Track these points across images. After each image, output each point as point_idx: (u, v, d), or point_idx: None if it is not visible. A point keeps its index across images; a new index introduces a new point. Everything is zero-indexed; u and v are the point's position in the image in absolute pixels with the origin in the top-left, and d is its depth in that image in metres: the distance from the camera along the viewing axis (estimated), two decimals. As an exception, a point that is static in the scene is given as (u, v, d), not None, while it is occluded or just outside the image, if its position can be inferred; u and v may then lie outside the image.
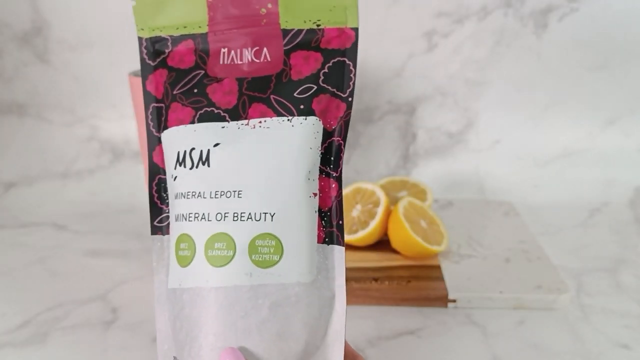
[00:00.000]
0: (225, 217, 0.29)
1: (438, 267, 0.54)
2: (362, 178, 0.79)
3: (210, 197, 0.30)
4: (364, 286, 0.51)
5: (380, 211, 0.56)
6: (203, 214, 0.30)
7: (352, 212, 0.58)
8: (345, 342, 0.32)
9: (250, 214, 0.29)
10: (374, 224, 0.56)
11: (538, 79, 0.75)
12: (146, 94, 0.33)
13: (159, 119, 0.33)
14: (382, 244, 0.58)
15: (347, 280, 0.52)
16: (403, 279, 0.52)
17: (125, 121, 0.80)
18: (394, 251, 0.57)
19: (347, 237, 0.57)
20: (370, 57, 0.75)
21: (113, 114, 0.80)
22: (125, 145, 0.80)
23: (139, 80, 0.48)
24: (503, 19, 0.73)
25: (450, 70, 0.76)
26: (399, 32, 0.74)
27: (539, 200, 0.73)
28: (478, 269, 0.54)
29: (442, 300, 0.50)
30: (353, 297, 0.51)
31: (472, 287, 0.51)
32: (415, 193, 0.63)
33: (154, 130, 0.33)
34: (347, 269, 0.54)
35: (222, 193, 0.30)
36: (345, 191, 0.60)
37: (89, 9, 0.75)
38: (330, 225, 0.31)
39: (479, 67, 0.75)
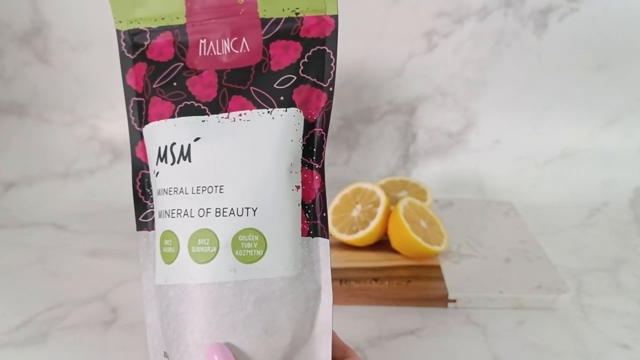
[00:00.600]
0: (207, 212, 0.29)
1: (438, 267, 0.54)
2: (362, 178, 0.79)
3: (192, 193, 0.30)
4: (364, 286, 0.51)
5: (380, 211, 0.56)
6: (185, 210, 0.30)
7: (352, 212, 0.58)
8: (335, 335, 0.32)
9: (232, 209, 0.29)
10: (374, 224, 0.56)
11: (538, 79, 0.75)
12: (126, 87, 0.33)
13: (140, 114, 0.33)
14: (382, 244, 0.58)
15: (347, 280, 0.52)
16: (403, 279, 0.52)
17: (125, 121, 0.79)
18: (394, 251, 0.57)
19: (347, 237, 0.57)
20: (370, 57, 0.75)
21: (113, 114, 0.80)
22: (125, 145, 0.80)
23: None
24: (503, 19, 0.73)
25: (450, 70, 0.76)
26: (399, 32, 0.74)
27: (539, 200, 0.73)
28: (478, 269, 0.54)
29: (442, 300, 0.50)
30: (353, 297, 0.51)
31: (472, 287, 0.51)
32: (415, 193, 0.63)
33: (135, 125, 0.33)
34: (347, 269, 0.54)
35: (204, 188, 0.29)
36: (345, 191, 0.60)
37: (89, 9, 0.75)
38: (314, 217, 0.31)
39: (479, 67, 0.75)
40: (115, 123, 0.80)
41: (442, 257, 0.57)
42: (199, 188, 0.30)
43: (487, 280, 0.52)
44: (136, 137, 0.33)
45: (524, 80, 0.75)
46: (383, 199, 0.57)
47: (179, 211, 0.30)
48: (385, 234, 0.58)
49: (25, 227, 0.69)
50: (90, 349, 0.45)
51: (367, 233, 0.56)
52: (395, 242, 0.56)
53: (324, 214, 0.31)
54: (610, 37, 0.73)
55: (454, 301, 0.50)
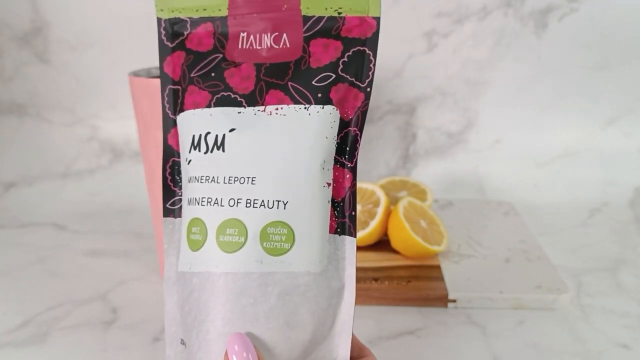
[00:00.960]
0: (238, 203, 0.29)
1: (438, 267, 0.54)
2: (362, 178, 0.79)
3: (224, 183, 0.30)
4: (364, 286, 0.51)
5: (380, 211, 0.56)
6: (216, 199, 0.30)
7: (352, 212, 0.58)
8: (352, 334, 0.32)
9: (263, 201, 0.29)
10: (374, 224, 0.56)
11: (538, 79, 0.75)
12: (163, 75, 0.33)
13: (175, 101, 0.33)
14: (382, 244, 0.58)
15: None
16: (403, 279, 0.52)
17: (125, 121, 0.80)
18: (394, 251, 0.57)
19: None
20: (370, 57, 0.75)
21: (113, 114, 0.80)
22: (125, 145, 0.80)
23: (139, 80, 0.48)
24: (503, 19, 0.73)
25: (450, 70, 0.76)
26: (399, 32, 0.74)
27: (539, 200, 0.73)
28: (478, 269, 0.54)
29: (442, 300, 0.50)
30: (353, 297, 0.51)
31: (472, 287, 0.51)
32: (415, 193, 0.63)
33: (169, 112, 0.33)
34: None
35: (236, 179, 0.30)
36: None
37: (89, 9, 0.75)
38: (342, 215, 0.31)
39: (479, 67, 0.75)
40: (115, 123, 0.80)
41: (442, 257, 0.57)
42: (231, 178, 0.30)
43: (487, 280, 0.52)
44: (169, 125, 0.33)
45: (524, 80, 0.75)
46: (383, 199, 0.57)
47: (210, 200, 0.30)
48: (385, 234, 0.58)
49: (25, 227, 0.69)
50: (90, 349, 0.45)
51: (367, 233, 0.56)
52: (395, 242, 0.56)
53: (353, 213, 0.31)
54: (610, 37, 0.73)
55: (454, 301, 0.50)
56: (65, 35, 0.76)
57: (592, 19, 0.72)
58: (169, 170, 0.33)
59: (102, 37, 0.76)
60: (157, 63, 0.72)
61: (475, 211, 0.69)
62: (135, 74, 0.51)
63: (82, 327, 0.48)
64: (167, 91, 0.33)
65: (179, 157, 0.33)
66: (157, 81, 0.47)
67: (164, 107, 0.33)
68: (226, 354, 0.28)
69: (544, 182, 0.76)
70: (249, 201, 0.29)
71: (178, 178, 0.33)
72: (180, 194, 0.33)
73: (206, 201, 0.30)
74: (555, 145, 0.77)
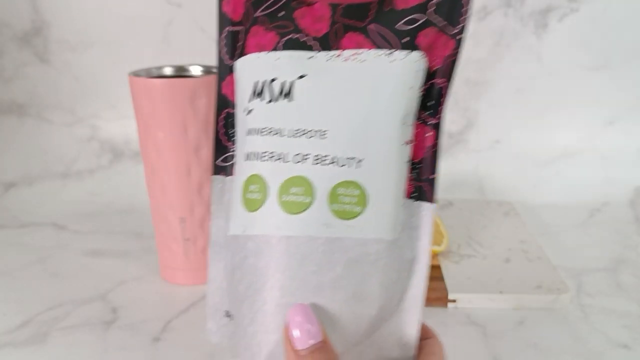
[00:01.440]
0: (305, 159, 0.26)
1: (438, 267, 0.54)
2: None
3: (290, 136, 0.26)
4: (364, 286, 0.51)
5: (380, 211, 0.56)
6: (280, 153, 0.26)
7: (352, 212, 0.58)
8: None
9: (334, 157, 0.26)
10: (374, 224, 0.56)
11: (538, 79, 0.75)
12: (221, 15, 0.30)
13: (233, 45, 0.29)
14: (382, 244, 0.58)
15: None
16: (403, 279, 0.52)
17: (125, 121, 0.80)
18: (394, 251, 0.57)
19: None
20: (370, 57, 0.75)
21: (113, 114, 0.80)
22: (125, 145, 0.80)
23: (139, 80, 0.48)
24: (503, 19, 0.73)
25: (450, 70, 0.75)
26: (399, 32, 0.74)
27: (539, 200, 0.73)
28: (478, 269, 0.54)
29: (442, 300, 0.50)
30: (353, 297, 0.51)
31: (472, 287, 0.51)
32: (415, 193, 0.63)
33: (226, 56, 0.30)
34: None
35: (304, 132, 0.26)
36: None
37: (89, 9, 0.75)
38: (420, 179, 0.28)
39: (479, 67, 0.75)
40: (115, 123, 0.80)
41: (442, 257, 0.56)
42: (298, 131, 0.26)
43: (487, 280, 0.52)
44: (225, 72, 0.30)
45: (524, 80, 0.75)
46: (383, 199, 0.57)
47: (272, 154, 0.27)
48: (385, 234, 0.57)
49: (25, 227, 0.69)
50: (90, 349, 0.45)
51: (367, 233, 0.56)
52: (395, 242, 0.56)
53: (432, 176, 0.28)
54: (610, 37, 0.73)
55: (454, 301, 0.50)
56: (65, 35, 0.76)
57: (592, 19, 0.72)
58: (222, 123, 0.30)
59: (102, 37, 0.76)
60: (156, 63, 0.72)
61: (475, 211, 0.69)
62: (135, 74, 0.51)
63: (82, 327, 0.48)
64: (224, 34, 0.29)
65: (234, 108, 0.30)
66: (157, 81, 0.47)
67: (219, 51, 0.30)
68: (286, 327, 0.25)
69: (544, 182, 0.76)
70: (317, 157, 0.26)
71: (232, 132, 0.30)
72: (233, 149, 0.30)
73: (268, 156, 0.27)
74: (555, 145, 0.77)
